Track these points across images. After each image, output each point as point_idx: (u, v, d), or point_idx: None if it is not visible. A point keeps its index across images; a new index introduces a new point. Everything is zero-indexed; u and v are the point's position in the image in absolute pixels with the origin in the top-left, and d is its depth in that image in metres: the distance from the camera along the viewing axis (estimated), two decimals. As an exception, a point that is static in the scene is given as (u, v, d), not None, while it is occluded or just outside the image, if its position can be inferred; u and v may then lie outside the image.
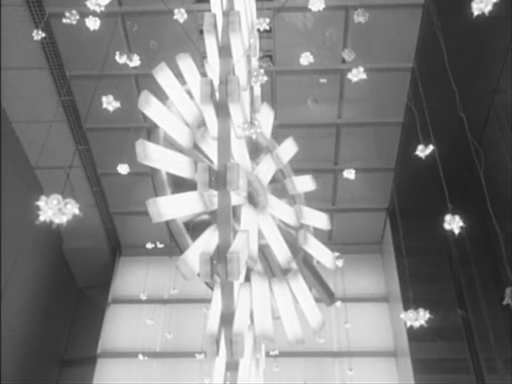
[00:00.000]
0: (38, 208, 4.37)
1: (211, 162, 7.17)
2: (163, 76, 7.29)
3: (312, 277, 8.42)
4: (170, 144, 7.25)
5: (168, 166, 6.71)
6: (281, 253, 7.70)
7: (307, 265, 8.42)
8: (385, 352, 15.91)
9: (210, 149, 7.22)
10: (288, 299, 7.62)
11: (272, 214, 7.89)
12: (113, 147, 14.24)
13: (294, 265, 8.15)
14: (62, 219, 4.42)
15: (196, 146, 7.41)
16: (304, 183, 9.31)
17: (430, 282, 14.96)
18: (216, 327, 5.64)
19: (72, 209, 4.43)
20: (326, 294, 8.65)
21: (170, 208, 6.46)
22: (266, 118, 9.09)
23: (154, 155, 6.48)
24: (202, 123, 7.19)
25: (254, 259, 7.17)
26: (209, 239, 6.24)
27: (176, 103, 7.42)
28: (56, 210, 4.38)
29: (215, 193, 6.48)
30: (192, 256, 6.22)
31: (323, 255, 8.73)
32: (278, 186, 9.06)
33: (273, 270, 8.14)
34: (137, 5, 12.36)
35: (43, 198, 4.39)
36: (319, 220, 9.20)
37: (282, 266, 7.82)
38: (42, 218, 4.38)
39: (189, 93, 7.54)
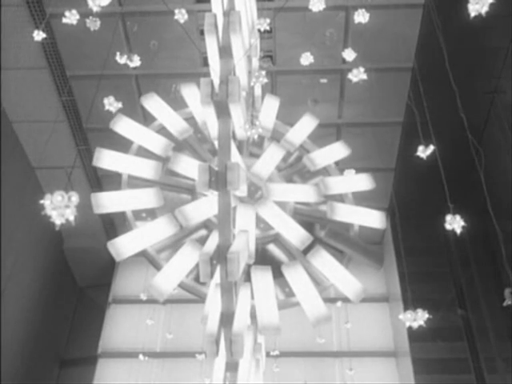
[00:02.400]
0: (42, 207, 4.36)
1: (193, 180, 7.54)
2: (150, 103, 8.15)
3: (346, 247, 7.86)
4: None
5: (128, 206, 7.26)
6: (292, 236, 7.33)
7: (336, 237, 7.89)
8: (385, 352, 15.92)
9: (187, 168, 7.58)
10: (302, 280, 7.12)
11: (278, 200, 7.62)
12: (113, 147, 14.24)
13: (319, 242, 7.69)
14: (67, 214, 4.39)
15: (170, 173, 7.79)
16: (324, 157, 8.65)
17: (430, 281, 14.98)
18: (215, 327, 5.64)
19: (76, 200, 4.41)
20: (369, 260, 8.02)
21: (133, 242, 6.93)
22: (271, 105, 8.92)
23: (109, 203, 7.10)
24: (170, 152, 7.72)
25: (252, 257, 7.13)
26: (181, 260, 6.62)
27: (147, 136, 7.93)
28: (63, 206, 4.37)
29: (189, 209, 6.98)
30: (161, 278, 6.62)
31: (364, 218, 8.06)
32: (298, 166, 8.66)
33: (294, 255, 7.74)
34: (137, 5, 12.36)
35: (48, 196, 4.39)
36: (356, 183, 8.52)
37: (299, 249, 7.39)
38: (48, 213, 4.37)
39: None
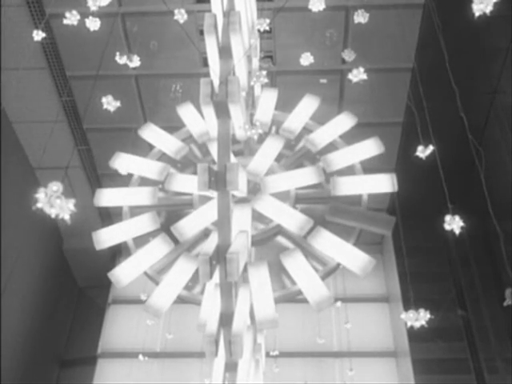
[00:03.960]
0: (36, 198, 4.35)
1: (190, 194, 7.97)
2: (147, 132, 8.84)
3: (352, 221, 7.57)
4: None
5: (128, 235, 7.80)
6: (290, 223, 7.25)
7: (339, 213, 7.65)
8: (385, 352, 15.92)
9: (184, 184, 7.98)
10: (301, 267, 7.01)
11: (278, 191, 7.59)
12: (113, 147, 14.23)
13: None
14: (57, 204, 4.38)
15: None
16: (325, 134, 8.36)
17: (430, 281, 14.97)
18: (215, 327, 5.64)
19: (64, 203, 4.40)
20: (377, 227, 7.68)
21: (132, 269, 7.41)
22: (268, 99, 8.84)
23: (107, 237, 7.72)
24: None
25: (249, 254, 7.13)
26: (175, 276, 6.90)
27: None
28: (54, 196, 4.36)
29: None
30: (156, 297, 6.94)
31: (371, 186, 7.77)
32: (302, 151, 8.44)
33: (298, 242, 7.63)
34: (137, 5, 12.37)
35: (42, 189, 4.39)
36: (362, 151, 8.11)
37: (300, 234, 7.27)
38: (39, 206, 4.37)
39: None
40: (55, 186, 4.38)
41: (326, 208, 7.71)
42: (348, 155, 8.14)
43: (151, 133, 8.90)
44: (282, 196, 7.68)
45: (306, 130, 8.62)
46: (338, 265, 7.34)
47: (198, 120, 8.53)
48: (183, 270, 6.96)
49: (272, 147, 7.91)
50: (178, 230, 7.41)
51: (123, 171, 8.50)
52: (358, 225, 7.63)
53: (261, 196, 7.49)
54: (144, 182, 8.40)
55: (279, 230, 7.72)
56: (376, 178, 7.83)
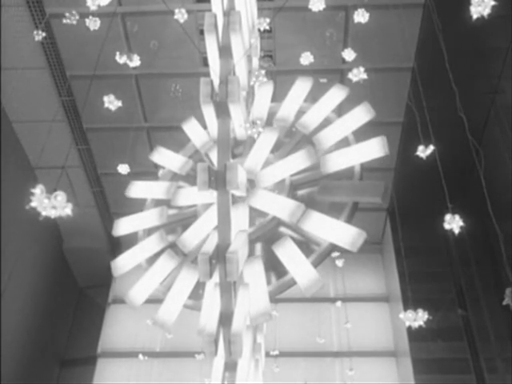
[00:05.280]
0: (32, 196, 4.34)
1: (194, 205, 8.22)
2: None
3: (343, 196, 7.44)
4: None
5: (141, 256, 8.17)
6: (282, 212, 7.10)
7: (329, 191, 7.52)
8: (385, 352, 15.92)
9: (189, 197, 8.22)
10: (291, 253, 6.92)
11: (272, 183, 7.52)
12: (113, 147, 14.26)
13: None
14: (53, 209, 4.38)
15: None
16: (316, 114, 8.07)
17: (430, 281, 14.97)
18: (214, 327, 5.64)
19: (63, 200, 4.39)
20: (369, 196, 7.44)
21: (144, 288, 7.73)
22: (263, 95, 8.67)
23: (123, 263, 8.15)
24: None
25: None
26: (179, 288, 7.08)
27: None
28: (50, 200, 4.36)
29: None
30: (162, 312, 7.17)
31: (362, 155, 7.47)
32: (297, 136, 8.24)
33: (294, 229, 7.57)
34: (137, 5, 12.36)
35: (40, 186, 4.38)
36: (352, 120, 7.84)
37: (293, 221, 7.06)
38: (33, 204, 4.36)
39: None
40: (38, 189, 4.36)
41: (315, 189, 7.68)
42: (338, 129, 7.81)
43: (160, 156, 9.22)
44: (279, 187, 7.64)
45: (303, 114, 8.33)
46: (332, 245, 7.18)
47: (201, 133, 8.64)
48: (186, 280, 7.11)
49: (266, 141, 7.67)
50: (182, 243, 7.57)
51: (138, 196, 9.02)
52: (348, 199, 7.47)
53: (255, 191, 7.36)
54: (160, 202, 8.80)
55: (278, 222, 7.64)
56: (365, 144, 7.51)
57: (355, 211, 7.53)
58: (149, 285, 7.69)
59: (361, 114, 7.92)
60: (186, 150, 9.30)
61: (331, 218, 7.02)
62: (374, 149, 7.45)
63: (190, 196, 8.20)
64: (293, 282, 7.04)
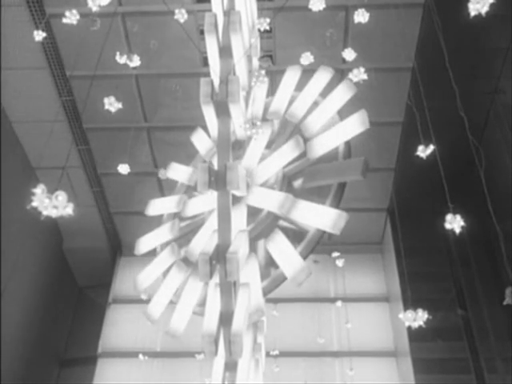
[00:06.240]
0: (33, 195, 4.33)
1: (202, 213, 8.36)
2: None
3: (326, 179, 7.46)
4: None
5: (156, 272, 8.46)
6: (273, 205, 7.01)
7: (313, 176, 7.54)
8: (385, 352, 15.91)
9: (196, 206, 8.35)
10: (279, 244, 6.96)
11: (266, 178, 7.51)
12: (113, 147, 14.25)
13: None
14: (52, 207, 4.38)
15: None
16: (304, 102, 7.97)
17: (430, 281, 14.97)
18: (214, 327, 5.64)
19: (64, 201, 4.39)
20: (350, 175, 7.38)
21: (160, 302, 8.00)
22: (260, 91, 8.69)
23: (142, 280, 8.44)
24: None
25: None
26: (187, 295, 7.41)
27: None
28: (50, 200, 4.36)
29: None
30: (174, 321, 7.55)
31: (344, 134, 7.39)
32: (289, 128, 8.17)
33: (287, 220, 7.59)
34: (137, 5, 12.36)
35: (41, 186, 4.37)
36: (336, 100, 7.74)
37: (283, 213, 7.00)
38: (34, 204, 4.36)
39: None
40: (39, 189, 4.36)
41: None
42: (324, 110, 7.73)
43: (173, 172, 9.44)
44: (274, 181, 7.69)
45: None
46: (319, 231, 7.18)
47: (206, 140, 8.61)
48: (193, 289, 7.36)
49: (259, 137, 7.51)
50: (190, 253, 7.72)
51: (155, 213, 9.33)
52: (333, 180, 7.50)
53: (250, 189, 7.29)
54: (175, 215, 9.02)
55: (274, 216, 7.62)
56: (347, 122, 7.43)
57: (342, 192, 7.56)
58: (164, 298, 7.97)
59: (343, 93, 7.82)
60: (195, 161, 9.48)
61: (316, 205, 6.96)
62: (356, 124, 7.37)
63: (197, 205, 8.31)
64: (284, 277, 7.04)
